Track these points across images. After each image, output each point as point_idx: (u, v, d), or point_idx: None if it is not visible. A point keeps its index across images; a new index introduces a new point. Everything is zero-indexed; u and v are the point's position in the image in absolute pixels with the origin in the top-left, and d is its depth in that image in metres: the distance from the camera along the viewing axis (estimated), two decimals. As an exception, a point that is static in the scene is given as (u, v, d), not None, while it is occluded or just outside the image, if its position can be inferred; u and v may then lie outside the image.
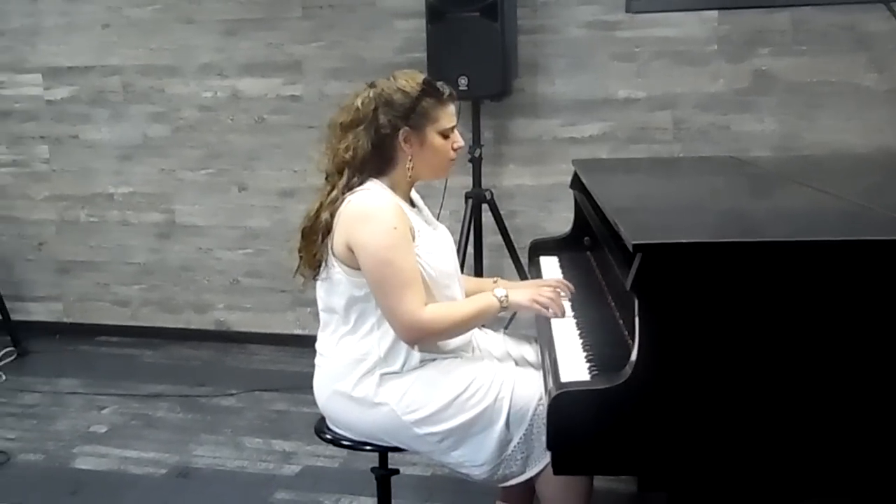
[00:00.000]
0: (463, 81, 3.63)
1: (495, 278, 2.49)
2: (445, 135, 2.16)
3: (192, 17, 4.42)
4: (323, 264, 2.14)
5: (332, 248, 2.10)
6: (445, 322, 2.08)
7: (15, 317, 4.67)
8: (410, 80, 2.14)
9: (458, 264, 2.29)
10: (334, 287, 2.14)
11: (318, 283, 2.20)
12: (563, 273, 2.64)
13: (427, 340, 2.10)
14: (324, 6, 4.24)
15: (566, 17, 3.98)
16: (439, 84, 2.16)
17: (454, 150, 2.19)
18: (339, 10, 4.23)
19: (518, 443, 2.05)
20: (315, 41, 4.29)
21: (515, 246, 3.91)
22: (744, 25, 3.81)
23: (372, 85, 2.17)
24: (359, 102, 2.14)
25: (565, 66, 4.01)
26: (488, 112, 4.02)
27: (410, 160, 2.14)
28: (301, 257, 2.21)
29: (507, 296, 2.13)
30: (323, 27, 4.26)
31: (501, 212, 3.94)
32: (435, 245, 2.16)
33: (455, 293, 2.20)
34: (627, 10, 3.91)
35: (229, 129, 4.48)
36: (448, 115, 2.16)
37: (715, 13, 3.83)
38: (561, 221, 3.33)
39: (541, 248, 2.93)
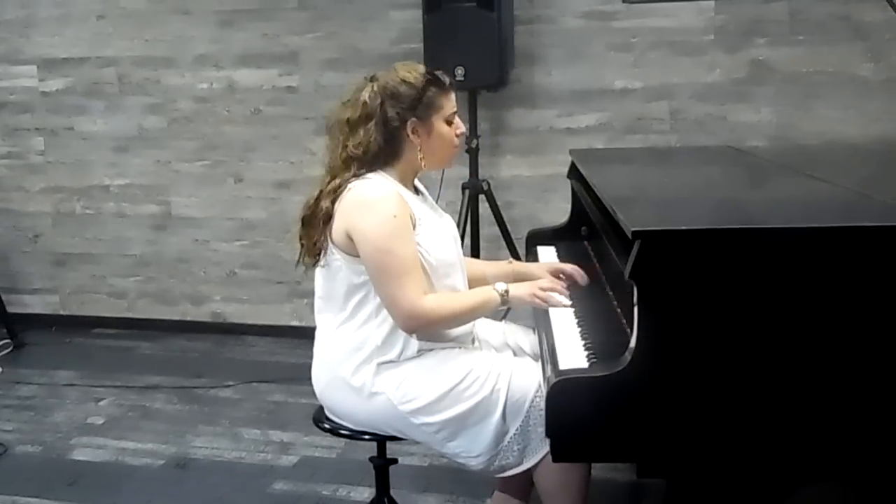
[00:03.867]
0: (459, 72, 3.62)
1: (510, 259, 2.54)
2: (449, 121, 2.18)
3: (188, 8, 4.40)
4: (323, 252, 2.14)
5: (331, 236, 2.10)
6: (444, 312, 2.08)
7: (11, 309, 4.67)
8: (413, 72, 2.14)
9: (461, 253, 2.29)
10: (333, 274, 2.14)
11: (318, 271, 2.19)
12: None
13: (425, 330, 2.10)
14: (319, -4, 4.24)
15: (563, 7, 3.97)
16: (439, 73, 2.18)
17: (457, 135, 2.21)
18: (335, 1, 4.21)
19: (514, 434, 2.05)
20: (311, 32, 4.27)
21: (512, 236, 3.91)
22: (740, 15, 3.80)
23: (373, 79, 2.16)
24: (365, 97, 2.12)
25: (562, 57, 4.01)
26: (485, 103, 4.01)
27: (420, 150, 2.14)
28: (302, 245, 2.20)
29: (507, 290, 2.12)
30: (319, 18, 4.25)
31: (498, 202, 3.93)
32: (437, 234, 2.16)
33: (456, 283, 2.20)
34: (624, 1, 3.90)
35: (225, 121, 4.47)
36: (451, 103, 2.19)
37: (711, 3, 3.82)
38: (558, 212, 3.33)
39: (538, 238, 2.94)
